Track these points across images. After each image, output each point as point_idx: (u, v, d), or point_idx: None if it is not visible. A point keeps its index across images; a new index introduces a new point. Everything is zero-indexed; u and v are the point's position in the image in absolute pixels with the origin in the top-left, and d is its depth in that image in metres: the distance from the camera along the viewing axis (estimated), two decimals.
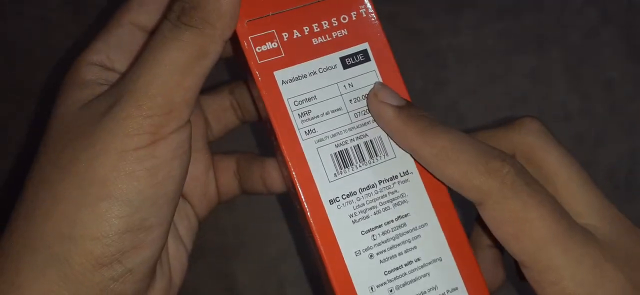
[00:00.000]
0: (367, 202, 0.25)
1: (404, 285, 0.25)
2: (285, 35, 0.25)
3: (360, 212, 0.25)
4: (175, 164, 0.23)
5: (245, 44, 0.25)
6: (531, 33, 0.43)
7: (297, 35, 0.25)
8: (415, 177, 0.25)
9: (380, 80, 0.26)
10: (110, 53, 0.25)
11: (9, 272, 0.22)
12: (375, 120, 0.26)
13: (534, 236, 0.23)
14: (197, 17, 0.22)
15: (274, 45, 0.25)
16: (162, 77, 0.22)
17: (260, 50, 0.25)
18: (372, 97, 0.25)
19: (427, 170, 0.25)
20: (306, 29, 0.26)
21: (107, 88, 0.24)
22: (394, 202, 0.25)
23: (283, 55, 0.25)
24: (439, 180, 0.25)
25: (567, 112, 0.42)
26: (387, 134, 0.25)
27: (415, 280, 0.25)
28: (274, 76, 0.25)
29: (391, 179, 0.25)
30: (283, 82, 0.25)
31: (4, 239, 0.23)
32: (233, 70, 0.41)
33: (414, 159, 0.26)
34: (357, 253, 0.24)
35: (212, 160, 0.30)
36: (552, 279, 0.23)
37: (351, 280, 0.24)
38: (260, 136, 0.40)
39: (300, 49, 0.25)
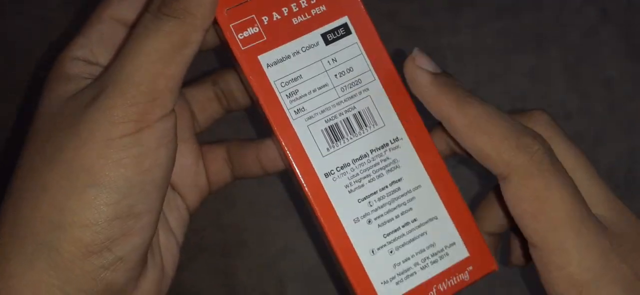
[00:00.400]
0: (361, 172, 0.26)
1: (403, 245, 0.26)
2: (265, 18, 0.26)
3: (355, 181, 0.26)
4: (162, 152, 0.23)
5: (228, 32, 0.26)
6: (530, 32, 0.43)
7: (276, 17, 0.26)
8: (406, 142, 0.26)
9: (363, 52, 0.27)
10: (92, 48, 0.25)
11: None
12: (409, 85, 0.26)
13: (551, 216, 0.23)
14: (178, 7, 0.23)
15: (255, 30, 0.26)
16: (145, 66, 0.22)
17: (242, 36, 0.26)
18: (409, 61, 0.26)
19: (456, 139, 0.25)
20: (285, 10, 0.26)
21: (92, 81, 0.24)
22: (386, 168, 0.26)
23: (265, 39, 0.26)
24: (465, 150, 0.26)
25: (566, 111, 0.42)
26: (420, 99, 0.26)
27: (413, 239, 0.26)
28: (258, 60, 0.26)
29: (382, 147, 0.26)
30: (268, 65, 0.26)
31: None
32: (223, 60, 0.41)
33: (403, 129, 0.26)
34: (356, 220, 0.25)
35: (200, 151, 0.30)
36: (560, 262, 0.23)
37: (353, 246, 0.25)
38: (257, 125, 0.40)
39: (281, 30, 0.26)
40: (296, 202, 0.41)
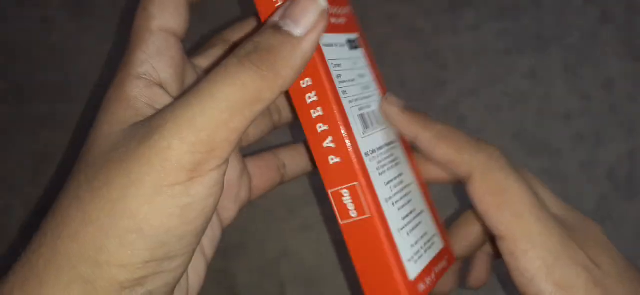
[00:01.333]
0: (383, 159, 0.28)
1: (413, 229, 0.28)
2: None
3: (381, 166, 0.28)
4: (210, 201, 0.22)
5: None
6: (530, 33, 0.43)
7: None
8: (399, 145, 0.30)
9: (369, 66, 0.29)
10: (153, 62, 0.24)
11: (32, 284, 0.22)
12: (385, 118, 0.29)
13: (513, 206, 0.26)
14: (267, 60, 0.22)
15: None
16: (211, 112, 0.21)
17: None
18: (383, 101, 0.29)
19: (425, 153, 0.28)
20: (331, 8, 0.27)
21: (152, 112, 0.23)
22: (394, 162, 0.29)
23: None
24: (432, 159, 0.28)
25: (566, 111, 0.42)
26: (396, 127, 0.29)
27: (416, 226, 0.28)
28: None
29: (389, 143, 0.29)
30: (324, 44, 0.26)
31: (31, 250, 0.22)
32: None
33: (395, 131, 0.29)
34: (387, 200, 0.27)
35: (244, 164, 0.30)
36: (525, 247, 0.25)
37: (388, 223, 0.26)
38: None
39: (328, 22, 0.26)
40: (296, 204, 0.41)
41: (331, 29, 0.27)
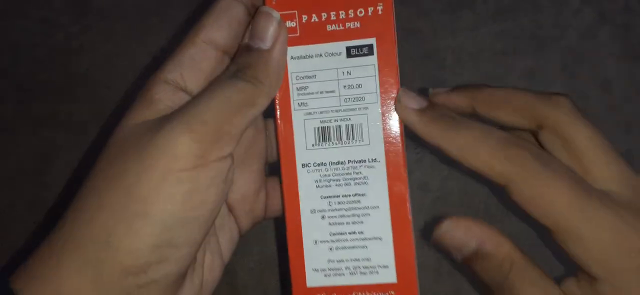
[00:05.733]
0: (333, 175, 0.28)
1: (343, 248, 0.28)
2: (305, 17, 0.28)
3: (325, 180, 0.28)
4: (212, 191, 0.25)
5: None
6: (529, 34, 0.43)
7: (314, 19, 0.28)
8: (381, 166, 0.28)
9: (377, 75, 0.28)
10: (183, 71, 0.27)
11: (49, 264, 0.24)
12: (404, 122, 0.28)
13: (555, 206, 0.25)
14: (250, 73, 0.26)
15: (293, 24, 0.28)
16: (216, 108, 0.24)
17: None
18: (396, 104, 0.28)
19: (457, 161, 0.27)
20: (324, 15, 0.28)
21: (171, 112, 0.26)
22: (356, 181, 0.28)
23: (298, 34, 0.28)
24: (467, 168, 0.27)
25: None
26: (413, 132, 0.28)
27: (353, 247, 0.28)
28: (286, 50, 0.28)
29: (359, 161, 0.28)
30: (291, 57, 0.28)
31: (53, 235, 0.25)
32: None
33: (384, 154, 0.28)
34: (312, 211, 0.28)
35: (265, 181, 0.31)
36: (575, 238, 0.25)
37: (301, 231, 0.28)
38: None
39: (314, 31, 0.28)
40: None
41: (317, 38, 0.28)
